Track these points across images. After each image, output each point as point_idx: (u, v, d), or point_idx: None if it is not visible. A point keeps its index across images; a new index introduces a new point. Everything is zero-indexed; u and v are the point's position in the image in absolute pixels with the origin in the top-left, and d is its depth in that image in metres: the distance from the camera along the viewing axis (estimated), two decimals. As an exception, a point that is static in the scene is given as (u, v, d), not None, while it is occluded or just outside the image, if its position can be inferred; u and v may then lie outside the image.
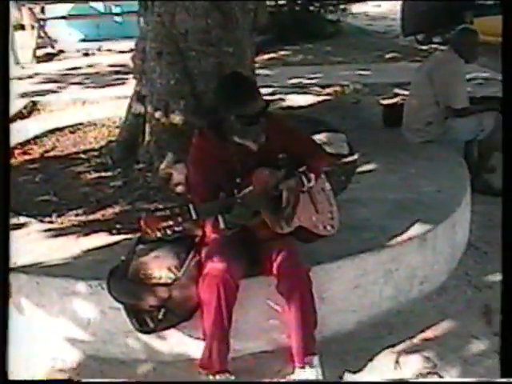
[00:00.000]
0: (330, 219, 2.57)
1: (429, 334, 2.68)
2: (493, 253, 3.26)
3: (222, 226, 2.28)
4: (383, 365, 2.51)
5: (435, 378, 2.42)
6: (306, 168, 2.50)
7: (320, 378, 2.34)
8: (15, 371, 2.59)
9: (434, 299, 2.92)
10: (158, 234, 2.08)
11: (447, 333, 2.69)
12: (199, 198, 2.39)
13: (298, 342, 2.35)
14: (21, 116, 5.98)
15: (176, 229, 2.09)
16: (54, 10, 10.78)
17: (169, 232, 2.06)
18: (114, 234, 2.96)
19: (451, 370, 2.46)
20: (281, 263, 2.34)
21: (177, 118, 3.73)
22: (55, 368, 2.62)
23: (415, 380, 2.43)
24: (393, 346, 2.61)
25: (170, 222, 2.07)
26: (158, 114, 3.80)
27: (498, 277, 3.05)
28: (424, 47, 9.90)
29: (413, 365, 2.50)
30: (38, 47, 9.68)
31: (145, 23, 3.93)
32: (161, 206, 2.13)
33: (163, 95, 3.78)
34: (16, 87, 7.22)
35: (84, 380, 2.46)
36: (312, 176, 2.49)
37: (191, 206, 2.12)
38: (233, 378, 2.34)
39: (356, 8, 15.58)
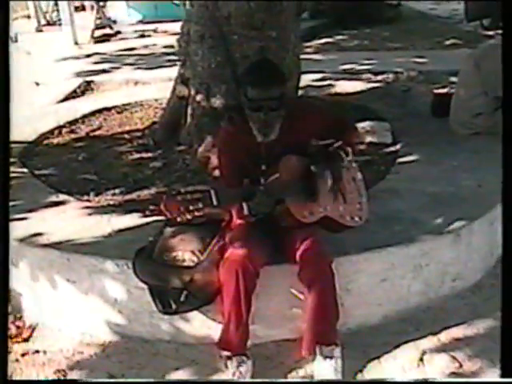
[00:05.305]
0: (359, 210, 2.52)
1: (458, 333, 2.59)
2: (537, 252, 3.12)
3: (245, 212, 2.28)
4: (406, 361, 2.45)
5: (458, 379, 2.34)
6: (341, 144, 2.47)
7: (339, 369, 2.32)
8: (46, 344, 2.70)
9: (467, 297, 2.82)
10: (178, 218, 2.09)
11: (478, 333, 2.59)
12: (225, 182, 2.43)
13: (310, 331, 2.33)
14: (74, 95, 6.10)
15: (196, 213, 2.09)
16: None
17: (188, 216, 2.07)
18: (146, 215, 2.98)
19: (478, 373, 2.37)
20: (304, 252, 2.32)
21: (217, 102, 3.70)
22: (84, 342, 2.70)
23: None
24: (419, 342, 2.54)
25: (190, 207, 2.07)
26: (199, 97, 3.80)
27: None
28: (490, 33, 9.43)
29: (437, 364, 2.42)
30: (97, 28, 9.89)
31: (190, 5, 3.92)
32: (182, 190, 2.12)
33: (205, 78, 3.75)
34: (71, 67, 7.42)
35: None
36: (349, 149, 2.47)
37: (212, 192, 2.12)
38: (250, 361, 2.35)
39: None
